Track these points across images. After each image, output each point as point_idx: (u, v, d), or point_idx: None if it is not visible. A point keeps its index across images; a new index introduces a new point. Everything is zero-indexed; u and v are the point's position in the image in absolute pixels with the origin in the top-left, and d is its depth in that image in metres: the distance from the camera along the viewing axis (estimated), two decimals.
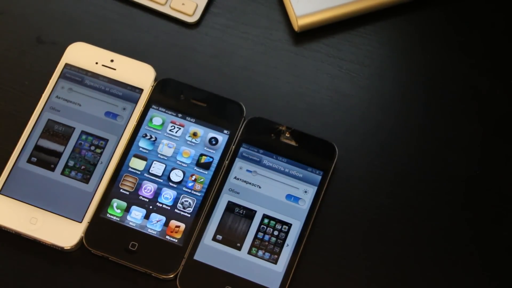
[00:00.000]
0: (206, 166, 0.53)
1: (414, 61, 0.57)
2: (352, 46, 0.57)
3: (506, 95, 0.56)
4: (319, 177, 0.52)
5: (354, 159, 0.54)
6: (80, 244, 0.50)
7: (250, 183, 0.52)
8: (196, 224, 0.51)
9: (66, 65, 0.54)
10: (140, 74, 0.54)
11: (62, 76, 0.54)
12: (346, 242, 0.52)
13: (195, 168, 0.53)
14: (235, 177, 0.52)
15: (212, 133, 0.54)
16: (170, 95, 0.54)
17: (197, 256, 0.50)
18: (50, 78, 0.54)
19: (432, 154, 0.54)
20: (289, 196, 0.52)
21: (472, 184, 0.54)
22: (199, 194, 0.52)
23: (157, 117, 0.54)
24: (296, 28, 0.56)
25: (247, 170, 0.52)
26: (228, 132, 0.53)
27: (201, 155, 0.53)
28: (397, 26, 0.57)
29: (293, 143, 0.53)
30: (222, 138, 0.53)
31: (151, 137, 0.53)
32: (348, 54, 0.56)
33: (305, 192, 0.52)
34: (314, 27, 0.56)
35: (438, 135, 0.55)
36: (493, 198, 0.53)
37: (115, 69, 0.54)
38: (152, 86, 0.54)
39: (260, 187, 0.52)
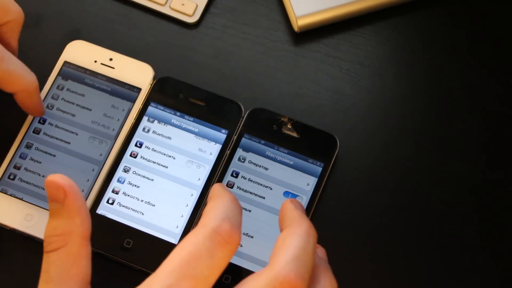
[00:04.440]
0: None
1: (414, 61, 0.56)
2: (352, 46, 0.56)
3: (509, 94, 0.55)
4: (320, 169, 0.52)
5: (354, 159, 0.53)
6: None
7: None
8: (191, 222, 0.50)
9: (65, 63, 0.54)
10: (138, 73, 0.54)
11: (60, 73, 0.54)
12: (346, 242, 0.51)
13: None
14: (231, 175, 0.52)
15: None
16: (169, 93, 0.54)
17: None
18: (49, 76, 0.54)
19: (433, 154, 0.54)
20: None
21: (474, 184, 0.53)
22: None
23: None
24: (296, 28, 0.56)
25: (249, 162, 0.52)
26: (226, 132, 0.53)
27: None
28: (397, 26, 0.57)
29: (294, 134, 0.52)
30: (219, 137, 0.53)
31: None
32: (348, 54, 0.56)
33: (306, 183, 0.51)
34: (314, 27, 0.56)
35: (439, 135, 0.54)
36: (495, 198, 0.52)
37: (113, 68, 0.54)
38: (151, 84, 0.54)
39: None
